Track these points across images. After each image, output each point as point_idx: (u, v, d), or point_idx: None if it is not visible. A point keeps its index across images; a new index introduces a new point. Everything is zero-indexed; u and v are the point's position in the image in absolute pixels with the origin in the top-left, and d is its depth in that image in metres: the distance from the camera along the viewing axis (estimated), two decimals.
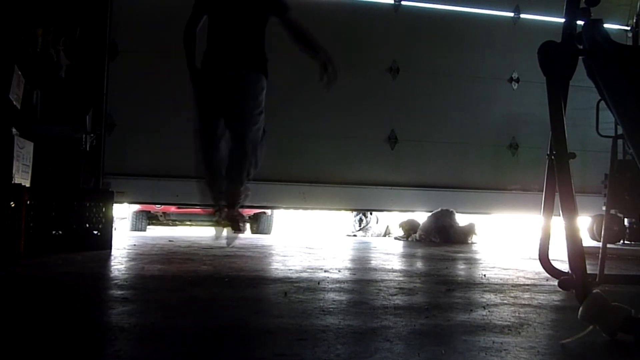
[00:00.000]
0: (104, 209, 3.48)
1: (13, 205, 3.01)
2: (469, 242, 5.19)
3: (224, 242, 3.59)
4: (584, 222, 5.51)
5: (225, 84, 3.72)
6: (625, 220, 5.32)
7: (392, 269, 2.93)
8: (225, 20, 3.81)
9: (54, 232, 3.35)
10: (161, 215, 8.59)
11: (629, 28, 5.95)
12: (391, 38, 5.60)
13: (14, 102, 3.65)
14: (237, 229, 3.64)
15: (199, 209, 7.99)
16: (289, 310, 1.76)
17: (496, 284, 2.40)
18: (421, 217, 5.60)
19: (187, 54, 3.82)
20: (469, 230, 5.26)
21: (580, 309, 1.44)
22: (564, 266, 2.00)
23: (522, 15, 5.81)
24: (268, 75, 3.76)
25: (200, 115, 3.72)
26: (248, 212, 8.19)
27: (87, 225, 3.43)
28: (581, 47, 1.80)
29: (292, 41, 3.78)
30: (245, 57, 3.78)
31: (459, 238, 5.15)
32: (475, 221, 5.41)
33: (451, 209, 5.37)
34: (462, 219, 5.49)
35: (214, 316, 1.67)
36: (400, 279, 2.53)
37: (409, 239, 5.37)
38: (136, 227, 8.23)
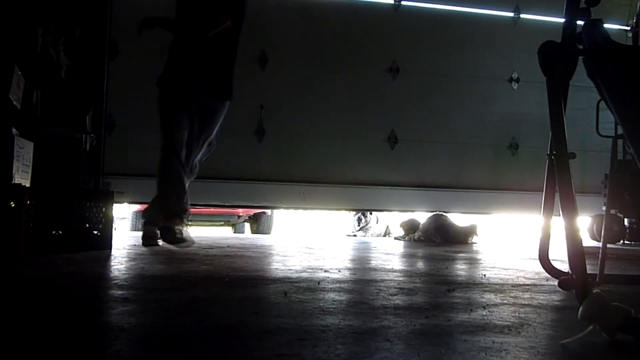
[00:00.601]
0: (104, 209, 3.48)
1: (13, 205, 3.01)
2: (469, 242, 5.19)
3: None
4: (584, 222, 5.51)
5: (203, 110, 3.70)
6: (625, 220, 5.32)
7: (392, 269, 2.93)
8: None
9: (54, 232, 3.35)
10: None
11: (629, 28, 5.95)
12: (391, 38, 5.60)
13: (14, 102, 3.65)
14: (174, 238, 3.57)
15: (200, 209, 8.02)
16: (289, 310, 1.76)
17: (496, 284, 2.40)
18: (422, 217, 5.60)
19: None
20: (470, 231, 5.26)
21: (580, 309, 1.44)
22: (564, 266, 2.00)
23: (522, 15, 5.81)
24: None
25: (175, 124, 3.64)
26: (248, 212, 8.22)
27: (87, 225, 3.43)
28: (581, 47, 1.80)
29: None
30: (222, 84, 3.75)
31: (459, 238, 5.15)
32: (477, 222, 5.40)
33: (443, 212, 5.37)
34: (463, 220, 5.48)
35: (214, 316, 1.67)
36: (400, 279, 2.53)
37: (409, 239, 5.37)
38: (136, 227, 8.23)
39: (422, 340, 1.40)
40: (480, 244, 5.14)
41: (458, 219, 5.49)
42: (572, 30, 1.82)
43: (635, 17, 5.91)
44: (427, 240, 5.20)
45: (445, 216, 5.35)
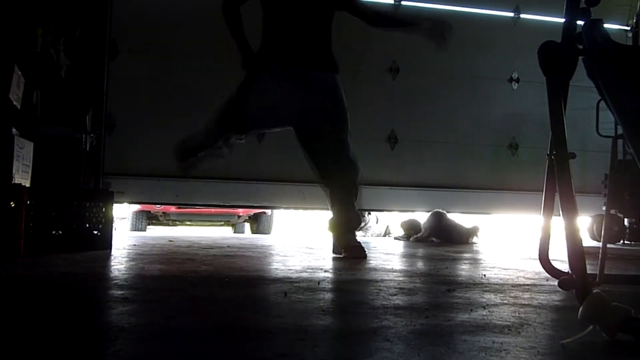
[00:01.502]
0: (104, 209, 3.48)
1: (13, 205, 3.02)
2: (470, 242, 5.19)
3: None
4: (584, 222, 5.51)
5: (306, 87, 3.28)
6: (625, 220, 5.32)
7: (392, 269, 2.93)
8: (291, 10, 3.33)
9: (54, 232, 3.35)
10: (161, 215, 8.61)
11: (629, 28, 5.96)
12: (391, 38, 5.59)
13: (14, 102, 3.66)
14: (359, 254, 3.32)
15: (199, 209, 8.03)
16: (289, 310, 1.76)
17: (496, 284, 2.40)
18: (422, 217, 5.60)
19: (235, 34, 3.28)
20: (472, 232, 5.26)
21: (580, 309, 1.44)
22: (564, 266, 2.00)
23: (522, 15, 5.81)
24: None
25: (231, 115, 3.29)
26: (248, 212, 8.22)
27: (87, 225, 3.43)
28: (581, 47, 1.80)
29: (372, 25, 3.47)
30: (323, 56, 3.38)
31: (459, 238, 5.15)
32: (479, 223, 5.40)
33: (442, 210, 5.37)
34: (463, 220, 5.48)
35: (214, 316, 1.67)
36: (400, 279, 2.53)
37: (410, 239, 5.37)
38: (136, 227, 8.25)
39: (422, 340, 1.40)
40: (480, 244, 5.14)
41: (459, 218, 5.48)
42: (572, 30, 1.82)
43: (635, 17, 5.91)
44: (427, 239, 5.20)
45: (447, 215, 5.35)
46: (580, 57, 1.80)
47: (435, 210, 5.36)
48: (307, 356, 1.22)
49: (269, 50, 3.31)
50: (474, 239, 5.24)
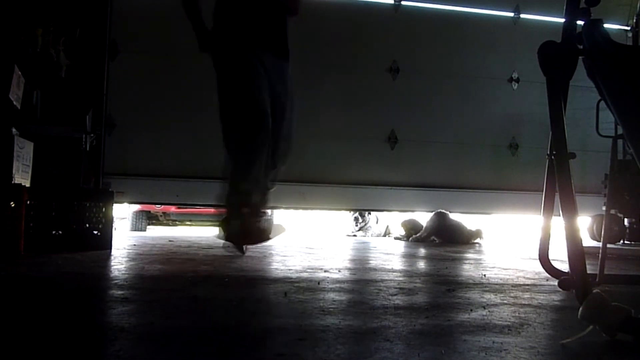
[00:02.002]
0: (104, 209, 3.48)
1: (13, 205, 3.02)
2: (470, 242, 5.19)
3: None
4: (584, 222, 5.51)
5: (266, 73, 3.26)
6: (625, 220, 5.32)
7: (392, 269, 2.93)
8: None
9: (54, 232, 3.35)
10: (161, 215, 8.61)
11: (629, 28, 5.96)
12: (391, 38, 5.60)
13: (14, 102, 3.66)
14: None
15: (199, 209, 8.03)
16: (289, 310, 1.76)
17: (496, 284, 2.40)
18: (422, 217, 5.60)
19: (191, 15, 3.33)
20: (474, 233, 5.26)
21: (580, 309, 1.44)
22: (564, 266, 2.01)
23: (522, 15, 5.82)
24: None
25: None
26: None
27: (87, 225, 3.44)
28: (581, 47, 1.80)
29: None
30: (277, 42, 3.36)
31: (460, 239, 5.15)
32: (482, 226, 5.40)
33: (445, 210, 5.37)
34: (465, 219, 5.48)
35: (214, 316, 1.67)
36: (400, 279, 2.53)
37: (410, 239, 5.37)
38: (136, 227, 8.24)
39: (422, 340, 1.40)
40: (480, 244, 5.14)
41: (462, 218, 5.48)
42: (572, 30, 1.82)
43: (635, 17, 5.91)
44: (428, 239, 5.20)
45: (450, 215, 5.34)
46: (580, 57, 1.80)
47: (438, 210, 5.36)
48: (307, 356, 1.22)
49: (223, 31, 3.31)
50: (478, 240, 5.24)
